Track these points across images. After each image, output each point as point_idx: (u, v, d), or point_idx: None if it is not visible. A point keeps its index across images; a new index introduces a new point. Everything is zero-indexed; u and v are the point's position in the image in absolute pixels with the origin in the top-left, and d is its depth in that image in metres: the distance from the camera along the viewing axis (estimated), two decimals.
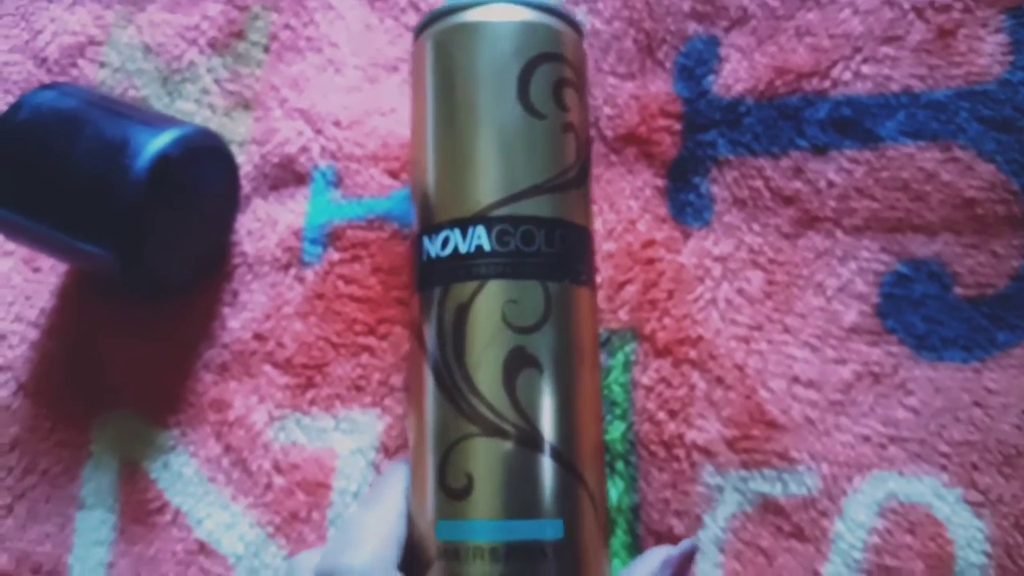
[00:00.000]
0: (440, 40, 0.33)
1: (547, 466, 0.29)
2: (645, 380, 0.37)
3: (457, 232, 0.31)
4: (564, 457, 0.30)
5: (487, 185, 0.31)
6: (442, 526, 0.29)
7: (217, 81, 0.45)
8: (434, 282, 0.31)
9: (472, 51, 0.32)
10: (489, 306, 0.30)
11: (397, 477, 0.31)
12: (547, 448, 0.29)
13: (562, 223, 0.32)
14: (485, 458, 0.29)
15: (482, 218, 0.30)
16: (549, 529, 0.29)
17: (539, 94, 0.32)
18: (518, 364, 0.30)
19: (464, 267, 0.30)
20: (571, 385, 0.31)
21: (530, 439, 0.29)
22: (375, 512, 0.30)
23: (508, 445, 0.29)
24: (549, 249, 0.31)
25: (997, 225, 0.36)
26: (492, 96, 0.32)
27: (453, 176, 0.31)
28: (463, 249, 0.30)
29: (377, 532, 0.29)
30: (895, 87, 0.38)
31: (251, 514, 0.39)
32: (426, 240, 0.31)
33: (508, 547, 0.28)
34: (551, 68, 0.33)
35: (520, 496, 0.29)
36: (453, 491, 0.29)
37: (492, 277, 0.30)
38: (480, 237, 0.30)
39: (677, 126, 0.40)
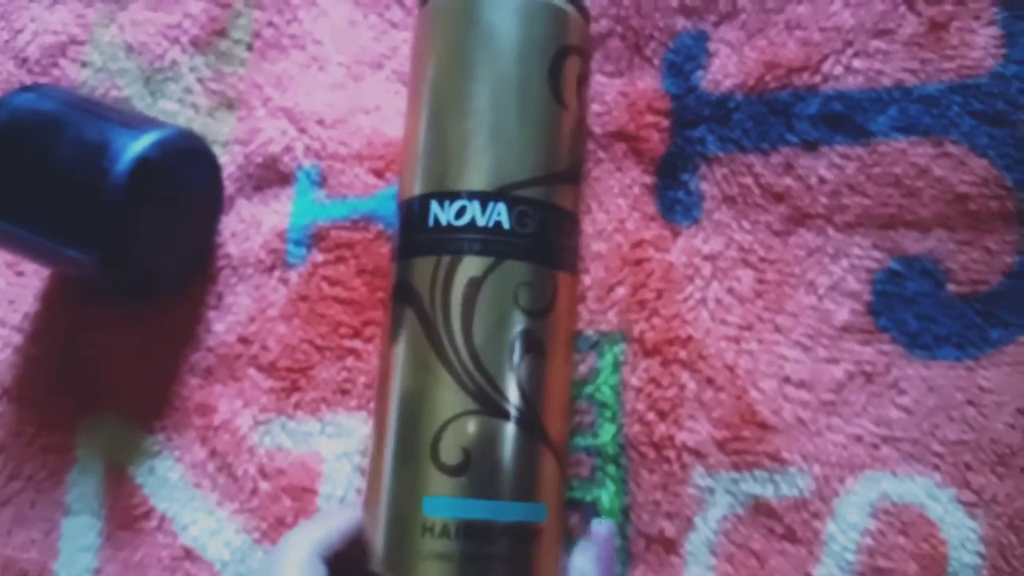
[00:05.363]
0: None
1: (539, 450, 0.30)
2: (634, 381, 0.37)
3: (476, 204, 0.30)
4: (552, 442, 0.30)
5: (514, 163, 0.31)
6: (431, 502, 0.29)
7: (200, 80, 0.45)
8: (441, 250, 0.30)
9: (509, 21, 0.32)
10: (502, 285, 0.30)
11: (315, 524, 0.31)
12: (540, 432, 0.30)
13: (568, 214, 0.32)
14: (485, 437, 0.29)
15: (504, 195, 0.30)
16: (538, 512, 0.30)
17: (564, 84, 0.32)
18: (523, 347, 0.30)
19: (481, 241, 0.30)
20: (560, 371, 0.31)
21: (527, 421, 0.30)
22: (281, 559, 0.29)
23: (508, 426, 0.29)
24: (559, 238, 0.31)
25: (990, 221, 0.35)
26: (524, 74, 0.31)
27: (475, 146, 0.31)
28: (481, 222, 0.30)
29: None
30: (887, 81, 0.37)
31: (237, 520, 0.38)
32: (435, 204, 0.31)
33: (497, 527, 0.29)
34: (575, 61, 0.33)
35: (516, 478, 0.29)
36: (448, 467, 0.29)
37: (509, 257, 0.30)
38: (500, 214, 0.30)
39: (665, 123, 0.39)
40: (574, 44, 0.33)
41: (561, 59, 0.32)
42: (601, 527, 0.31)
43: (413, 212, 0.31)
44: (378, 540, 0.30)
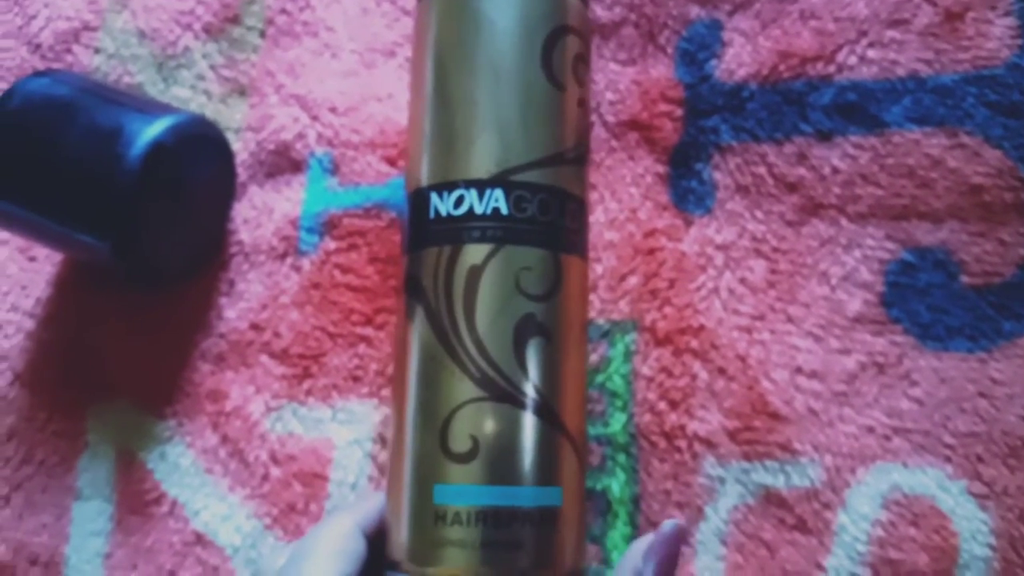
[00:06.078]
0: None
1: (552, 435, 0.30)
2: (645, 370, 0.37)
3: (474, 192, 0.30)
4: (567, 428, 0.30)
5: (510, 148, 0.31)
6: (443, 490, 0.29)
7: (212, 67, 0.45)
8: (442, 241, 0.30)
9: (500, 6, 0.32)
10: (503, 271, 0.30)
11: (358, 502, 0.32)
12: (552, 417, 0.30)
13: (573, 196, 0.32)
14: (492, 423, 0.29)
15: (501, 181, 0.30)
16: (553, 496, 0.29)
17: (559, 65, 0.32)
18: (528, 331, 0.30)
19: (479, 229, 0.30)
20: (573, 357, 0.31)
21: (537, 407, 0.29)
22: (326, 528, 0.30)
23: (516, 411, 0.29)
24: (561, 220, 0.31)
25: (1004, 212, 0.35)
26: (516, 58, 0.31)
27: (471, 135, 0.31)
28: (479, 210, 0.30)
29: (327, 547, 0.29)
30: (901, 72, 0.37)
31: (248, 505, 0.38)
32: (435, 196, 0.31)
33: (511, 512, 0.28)
34: (571, 41, 0.32)
35: (527, 463, 0.29)
36: (457, 455, 0.29)
37: (508, 242, 0.30)
38: (498, 200, 0.30)
39: (679, 112, 0.39)
40: (569, 24, 0.32)
41: (555, 40, 0.32)
42: (668, 524, 0.30)
43: (416, 204, 0.32)
44: (395, 529, 0.30)
